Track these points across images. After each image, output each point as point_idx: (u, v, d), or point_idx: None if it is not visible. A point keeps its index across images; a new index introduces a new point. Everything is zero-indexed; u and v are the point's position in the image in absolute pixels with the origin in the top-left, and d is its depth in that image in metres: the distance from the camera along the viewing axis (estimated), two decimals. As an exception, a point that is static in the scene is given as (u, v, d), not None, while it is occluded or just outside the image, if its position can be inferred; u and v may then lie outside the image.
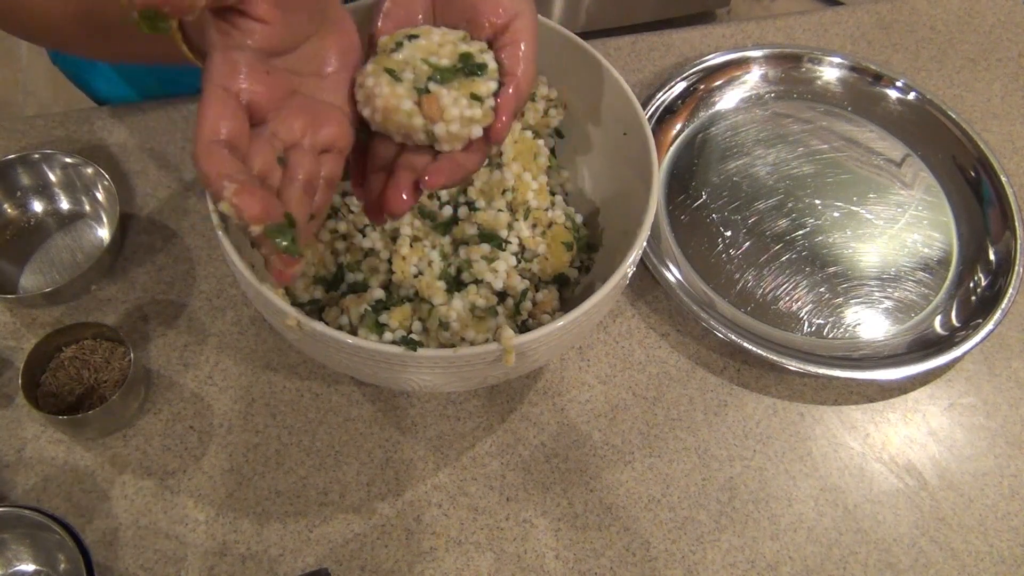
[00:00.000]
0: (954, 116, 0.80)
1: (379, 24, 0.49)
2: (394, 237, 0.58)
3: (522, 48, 0.47)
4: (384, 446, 0.62)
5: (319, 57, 0.46)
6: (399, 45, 0.47)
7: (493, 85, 0.46)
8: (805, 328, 0.70)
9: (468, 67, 0.46)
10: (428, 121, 0.45)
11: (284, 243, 0.40)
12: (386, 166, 0.48)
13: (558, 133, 0.65)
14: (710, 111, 0.82)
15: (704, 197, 0.76)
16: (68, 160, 0.68)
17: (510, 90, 0.46)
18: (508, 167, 0.59)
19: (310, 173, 0.43)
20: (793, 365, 0.65)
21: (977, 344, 0.67)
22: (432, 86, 0.45)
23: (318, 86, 0.46)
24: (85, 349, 0.61)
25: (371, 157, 0.49)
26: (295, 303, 0.57)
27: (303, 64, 0.46)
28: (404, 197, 0.46)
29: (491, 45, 0.48)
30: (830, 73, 0.84)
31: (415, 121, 0.45)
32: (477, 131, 0.46)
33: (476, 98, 0.45)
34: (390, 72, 0.45)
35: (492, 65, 0.47)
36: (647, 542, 0.60)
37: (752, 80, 0.83)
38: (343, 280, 0.58)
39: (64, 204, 0.70)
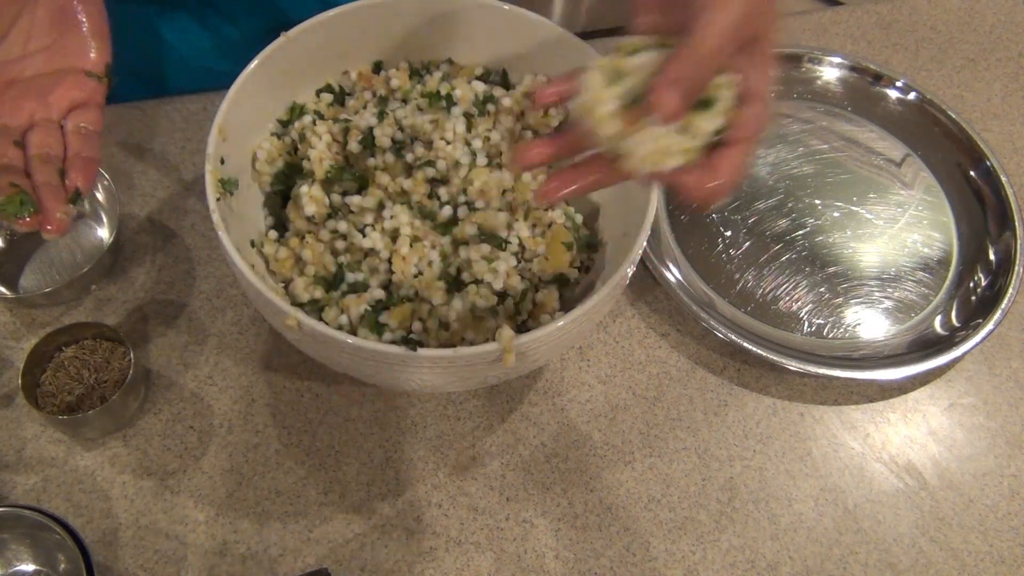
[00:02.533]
0: (954, 116, 0.80)
1: (638, 18, 0.42)
2: (394, 237, 0.58)
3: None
4: (384, 446, 0.62)
5: (37, 31, 0.49)
6: (636, 51, 0.40)
7: (718, 123, 0.39)
8: (805, 328, 0.70)
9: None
10: (626, 128, 0.39)
11: (17, 210, 0.47)
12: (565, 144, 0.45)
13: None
14: (710, 111, 0.81)
15: (704, 197, 0.76)
16: (68, 160, 0.68)
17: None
18: (508, 167, 0.59)
19: (40, 144, 0.49)
20: (793, 365, 0.65)
21: (977, 344, 0.67)
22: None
23: (45, 59, 0.49)
24: (85, 349, 0.61)
25: (565, 132, 0.45)
26: (295, 303, 0.57)
27: (19, 47, 0.49)
28: (534, 159, 0.44)
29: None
30: (830, 73, 0.84)
31: (609, 126, 0.39)
32: (673, 163, 0.39)
33: (687, 132, 0.39)
34: (610, 75, 0.40)
35: (725, 104, 0.39)
36: (647, 542, 0.60)
37: (752, 80, 0.83)
38: (343, 280, 0.58)
39: (64, 204, 0.70)
